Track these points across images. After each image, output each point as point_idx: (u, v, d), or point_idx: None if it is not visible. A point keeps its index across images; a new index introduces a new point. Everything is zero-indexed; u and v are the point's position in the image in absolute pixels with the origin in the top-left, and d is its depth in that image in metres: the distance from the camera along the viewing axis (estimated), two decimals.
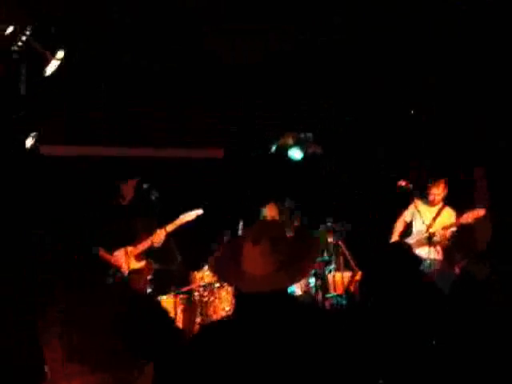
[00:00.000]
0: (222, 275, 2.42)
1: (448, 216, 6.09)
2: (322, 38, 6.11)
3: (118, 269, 5.67)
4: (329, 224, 6.29)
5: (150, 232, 5.73)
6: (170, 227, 5.68)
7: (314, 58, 6.63)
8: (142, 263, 5.76)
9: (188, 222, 5.78)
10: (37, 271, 5.67)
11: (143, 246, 5.73)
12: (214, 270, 2.60)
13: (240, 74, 6.88)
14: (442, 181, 6.19)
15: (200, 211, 5.81)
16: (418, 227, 6.18)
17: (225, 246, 2.41)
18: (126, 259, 5.67)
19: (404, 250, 2.81)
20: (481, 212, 5.88)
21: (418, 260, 2.79)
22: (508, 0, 5.18)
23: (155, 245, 5.73)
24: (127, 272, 5.66)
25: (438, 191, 6.14)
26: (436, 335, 2.42)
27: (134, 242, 5.75)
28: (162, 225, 5.66)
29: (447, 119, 7.16)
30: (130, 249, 5.71)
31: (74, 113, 6.85)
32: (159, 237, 5.67)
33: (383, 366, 2.32)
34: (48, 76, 4.76)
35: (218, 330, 2.10)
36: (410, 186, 6.04)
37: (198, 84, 7.07)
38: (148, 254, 5.84)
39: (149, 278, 5.80)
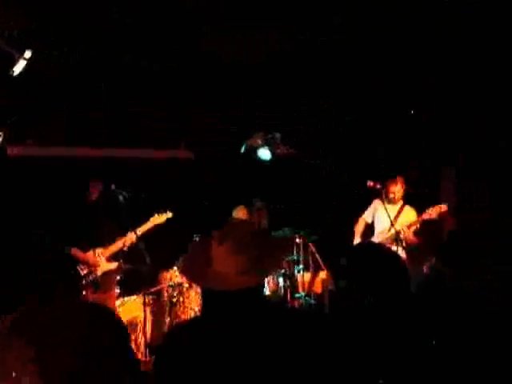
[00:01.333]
0: (189, 275, 2.45)
1: (409, 214, 6.11)
2: (322, 38, 6.11)
3: (90, 269, 5.70)
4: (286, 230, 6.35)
5: (120, 234, 5.78)
6: (140, 229, 5.73)
7: (313, 58, 6.63)
8: (114, 265, 5.79)
9: (158, 225, 5.86)
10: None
11: (114, 247, 5.77)
12: (182, 271, 2.62)
13: (240, 74, 6.88)
14: (400, 178, 6.20)
15: (169, 214, 5.91)
16: (380, 227, 6.18)
17: (193, 246, 2.42)
18: (98, 261, 5.71)
19: (377, 249, 2.77)
20: (444, 207, 5.91)
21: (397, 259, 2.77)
22: (507, 0, 5.18)
23: (125, 247, 5.78)
24: (99, 273, 5.70)
25: (396, 188, 6.14)
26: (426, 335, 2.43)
27: (103, 243, 5.80)
28: (131, 226, 5.69)
29: (447, 119, 7.16)
30: (100, 250, 5.75)
31: (44, 112, 6.77)
32: (130, 239, 5.72)
33: (383, 366, 2.32)
34: (16, 75, 4.75)
35: (188, 329, 2.11)
36: (379, 186, 6.00)
37: (194, 84, 7.07)
38: (117, 254, 5.88)
39: (117, 278, 5.82)
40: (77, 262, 5.71)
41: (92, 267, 5.69)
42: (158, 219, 5.86)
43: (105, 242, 5.79)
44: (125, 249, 5.76)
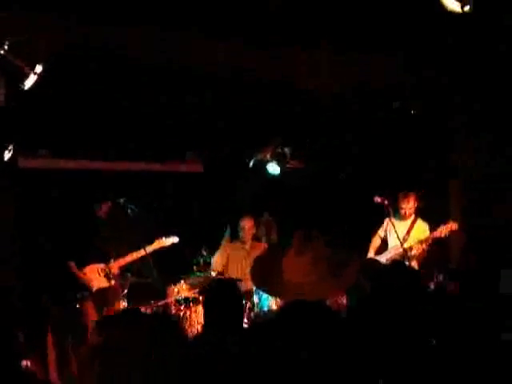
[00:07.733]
0: (265, 287, 2.48)
1: (421, 230, 6.11)
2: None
3: (85, 286, 5.79)
4: None
5: (129, 247, 5.95)
6: (146, 249, 5.87)
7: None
8: (111, 282, 5.89)
9: (163, 248, 6.01)
10: None
11: (118, 264, 5.93)
12: (256, 283, 2.62)
13: (235, 77, 6.78)
14: (412, 194, 6.18)
15: (176, 239, 6.06)
16: (393, 242, 6.15)
17: (265, 257, 2.47)
18: (97, 277, 5.83)
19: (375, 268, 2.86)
20: (454, 225, 5.89)
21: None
22: (508, 1, 5.17)
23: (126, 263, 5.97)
24: (94, 290, 5.78)
25: (408, 205, 6.13)
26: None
27: (106, 259, 5.93)
28: (140, 239, 5.88)
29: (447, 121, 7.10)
30: (101, 266, 5.87)
31: (52, 125, 6.75)
32: (139, 254, 5.91)
33: (383, 366, 2.32)
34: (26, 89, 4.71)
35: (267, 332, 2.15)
36: (386, 202, 5.99)
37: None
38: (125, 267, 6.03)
39: (125, 291, 5.90)
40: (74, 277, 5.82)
41: (88, 283, 5.79)
42: (164, 243, 6.01)
43: (113, 256, 5.93)
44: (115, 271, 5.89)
